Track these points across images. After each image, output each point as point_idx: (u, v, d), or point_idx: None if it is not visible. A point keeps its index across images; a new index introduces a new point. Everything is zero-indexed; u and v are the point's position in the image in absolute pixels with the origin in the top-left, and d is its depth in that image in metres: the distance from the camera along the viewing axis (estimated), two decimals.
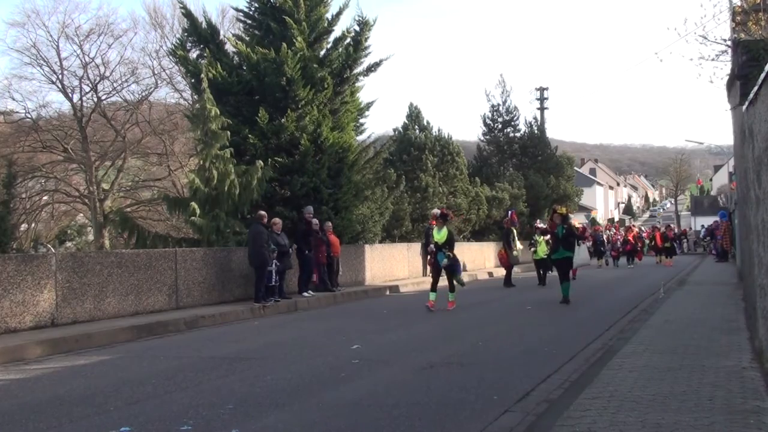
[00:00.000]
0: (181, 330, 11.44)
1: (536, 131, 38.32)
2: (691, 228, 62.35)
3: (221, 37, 19.77)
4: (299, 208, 17.00)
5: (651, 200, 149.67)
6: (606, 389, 5.95)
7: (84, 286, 11.45)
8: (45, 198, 32.77)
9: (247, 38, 19.30)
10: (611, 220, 73.24)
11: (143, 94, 32.27)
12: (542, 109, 42.45)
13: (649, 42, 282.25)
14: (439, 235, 13.18)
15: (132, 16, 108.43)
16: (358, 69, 19.98)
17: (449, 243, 13.16)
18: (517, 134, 37.66)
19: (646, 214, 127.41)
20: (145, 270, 12.63)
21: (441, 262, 13.09)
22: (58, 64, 31.00)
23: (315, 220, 16.30)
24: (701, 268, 27.26)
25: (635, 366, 6.92)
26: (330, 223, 17.16)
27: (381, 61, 20.45)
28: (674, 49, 36.17)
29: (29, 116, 31.10)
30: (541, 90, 42.81)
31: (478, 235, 30.08)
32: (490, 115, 37.40)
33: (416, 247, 23.04)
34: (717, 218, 36.98)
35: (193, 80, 19.17)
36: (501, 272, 21.15)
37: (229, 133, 16.19)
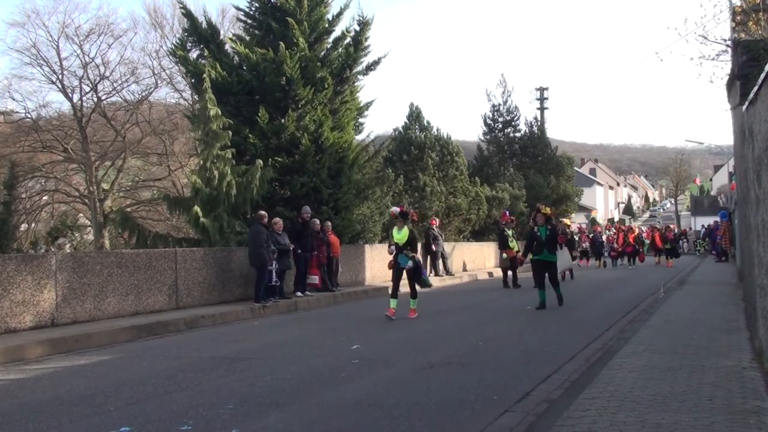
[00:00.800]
0: (181, 330, 11.44)
1: (536, 131, 38.35)
2: (691, 228, 62.34)
3: (221, 37, 19.76)
4: (299, 209, 17.01)
5: (651, 200, 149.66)
6: (606, 389, 5.95)
7: (84, 286, 11.45)
8: (45, 198, 32.77)
9: (248, 38, 19.29)
10: (611, 220, 73.27)
11: (143, 94, 32.31)
12: (542, 109, 42.48)
13: (649, 42, 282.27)
14: (399, 235, 12.08)
15: (132, 16, 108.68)
16: (358, 68, 19.99)
17: (411, 244, 12.17)
18: (518, 134, 37.70)
19: (646, 214, 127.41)
20: (145, 270, 12.63)
21: (403, 264, 12.09)
22: (58, 64, 31.03)
23: (316, 221, 16.30)
24: (701, 268, 27.27)
25: (635, 366, 6.92)
26: (330, 223, 17.16)
27: (380, 59, 20.46)
28: (674, 49, 36.16)
29: (29, 116, 31.13)
30: (541, 90, 42.83)
31: (478, 235, 30.08)
32: (490, 115, 37.43)
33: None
34: (717, 218, 36.91)
35: (193, 80, 19.17)
36: (501, 272, 21.08)
37: (230, 132, 16.20)
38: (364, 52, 19.82)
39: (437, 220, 23.95)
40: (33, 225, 32.36)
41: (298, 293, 15.44)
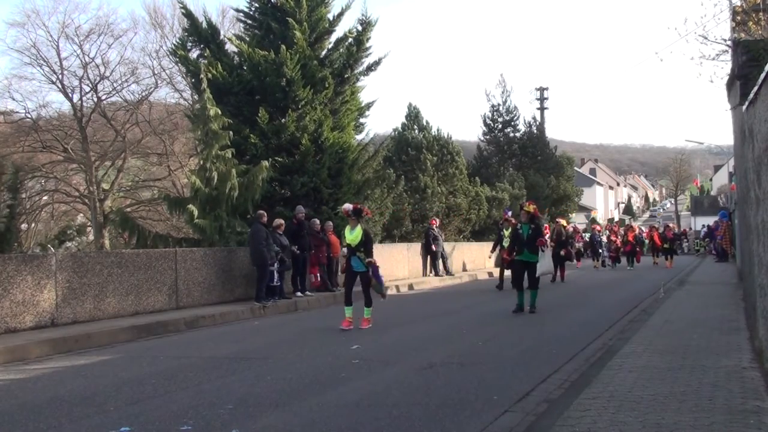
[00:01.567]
0: (181, 330, 11.43)
1: (536, 131, 38.38)
2: (691, 228, 62.30)
3: (221, 37, 19.77)
4: None
5: (651, 200, 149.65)
6: (606, 389, 5.95)
7: (84, 286, 11.45)
8: (45, 198, 32.76)
9: (248, 38, 19.31)
10: (611, 220, 73.20)
11: (143, 94, 32.29)
12: (542, 109, 42.51)
13: (649, 42, 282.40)
14: (352, 235, 10.72)
15: (132, 16, 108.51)
16: (359, 69, 20.00)
17: (365, 245, 10.71)
18: (517, 134, 37.76)
19: (646, 214, 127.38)
20: (145, 270, 12.63)
21: (357, 268, 10.78)
22: (58, 64, 31.01)
23: (316, 221, 16.29)
24: (701, 268, 27.23)
25: (635, 366, 6.92)
26: (330, 223, 17.15)
27: (380, 59, 20.49)
28: (674, 49, 36.22)
29: (29, 116, 31.12)
30: (541, 90, 42.87)
31: (478, 235, 30.10)
32: (490, 115, 37.47)
33: (416, 247, 23.03)
34: (717, 218, 36.79)
35: (193, 80, 19.19)
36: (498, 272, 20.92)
37: (230, 132, 16.20)
38: (366, 52, 19.84)
39: (437, 220, 23.95)
40: (33, 225, 32.36)
41: (298, 293, 15.43)
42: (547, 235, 21.69)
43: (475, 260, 26.88)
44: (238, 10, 20.26)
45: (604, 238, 31.64)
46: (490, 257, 19.36)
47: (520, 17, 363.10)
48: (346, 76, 19.73)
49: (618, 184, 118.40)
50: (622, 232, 30.23)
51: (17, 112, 31.43)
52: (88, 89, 31.23)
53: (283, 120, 18.20)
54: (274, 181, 17.83)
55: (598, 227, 32.76)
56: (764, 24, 11.54)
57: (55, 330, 10.44)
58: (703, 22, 17.24)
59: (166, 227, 28.35)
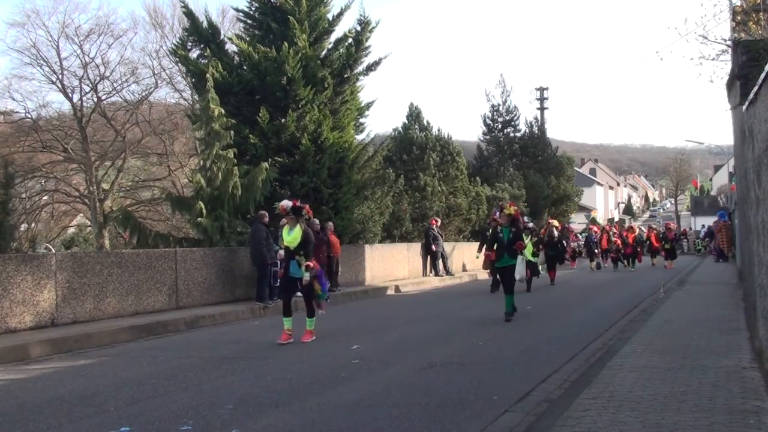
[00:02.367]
0: (181, 330, 11.44)
1: (536, 131, 38.37)
2: (691, 228, 62.30)
3: (222, 36, 19.76)
4: None
5: (651, 200, 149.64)
6: (606, 389, 5.95)
7: (84, 286, 11.45)
8: (45, 198, 32.75)
9: (248, 38, 19.30)
10: (611, 220, 73.18)
11: (143, 94, 32.28)
12: (542, 109, 42.50)
13: (649, 41, 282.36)
14: (290, 236, 9.52)
15: (132, 16, 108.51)
16: (359, 69, 20.00)
17: (304, 247, 9.48)
18: (518, 134, 37.74)
19: (646, 214, 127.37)
20: (145, 270, 12.63)
21: (296, 274, 9.54)
22: (58, 64, 30.99)
23: (316, 221, 16.28)
24: (701, 268, 27.22)
25: (635, 366, 6.92)
26: (331, 224, 17.16)
27: (380, 59, 20.49)
28: (674, 49, 36.23)
29: (29, 116, 31.10)
30: (541, 90, 42.85)
31: (478, 235, 30.03)
32: (490, 115, 37.46)
33: (416, 247, 23.04)
34: (716, 218, 36.73)
35: (193, 80, 19.18)
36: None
37: (232, 132, 16.20)
38: (365, 52, 19.84)
39: (438, 220, 23.95)
40: (33, 225, 32.35)
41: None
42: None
43: (475, 260, 26.85)
44: (238, 10, 20.26)
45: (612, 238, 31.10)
46: (477, 257, 19.03)
47: (520, 17, 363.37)
48: (345, 76, 19.73)
49: (618, 184, 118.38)
50: (615, 231, 29.14)
51: (17, 112, 31.45)
52: (88, 89, 31.25)
53: (283, 120, 18.20)
54: (274, 181, 17.83)
55: (595, 227, 31.74)
56: (764, 24, 11.54)
57: (55, 330, 10.44)
58: (703, 22, 17.24)
59: (166, 227, 28.34)
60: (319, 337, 10.16)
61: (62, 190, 32.55)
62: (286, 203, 9.69)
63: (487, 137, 37.48)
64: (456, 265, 24.69)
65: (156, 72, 31.94)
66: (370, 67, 20.17)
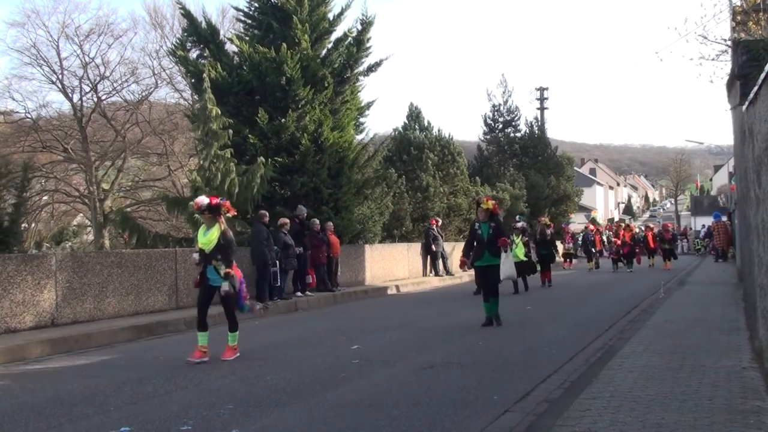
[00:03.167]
0: (181, 330, 11.43)
1: (537, 131, 38.38)
2: (691, 228, 62.26)
3: (221, 37, 19.77)
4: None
5: (651, 200, 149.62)
6: (606, 389, 5.95)
7: (84, 286, 11.45)
8: (45, 198, 32.74)
9: (247, 38, 19.31)
10: (611, 220, 73.13)
11: (143, 94, 32.28)
12: (542, 109, 42.50)
13: (649, 42, 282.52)
14: (206, 237, 8.23)
15: (132, 16, 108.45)
16: (359, 69, 20.00)
17: (223, 251, 8.19)
18: (518, 134, 37.76)
19: (646, 214, 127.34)
20: (145, 270, 12.63)
21: (214, 282, 8.25)
22: (58, 64, 30.99)
23: (315, 221, 16.30)
24: (701, 268, 27.20)
25: (635, 366, 6.92)
26: (331, 223, 17.16)
27: (381, 60, 20.50)
28: (674, 49, 36.27)
29: (29, 116, 31.09)
30: (541, 90, 42.86)
31: None
32: (490, 115, 37.49)
33: (416, 247, 23.04)
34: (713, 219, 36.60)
35: (193, 80, 19.17)
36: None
37: (230, 132, 16.20)
38: (366, 52, 19.84)
39: (438, 220, 23.94)
40: (33, 225, 32.33)
41: (298, 293, 15.44)
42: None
43: None
44: (238, 9, 20.27)
45: (605, 239, 30.82)
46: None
47: (521, 17, 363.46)
48: (346, 76, 19.73)
49: (618, 184, 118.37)
50: (611, 232, 28.09)
51: (17, 112, 31.44)
52: (88, 89, 31.25)
53: (282, 120, 18.20)
54: (274, 181, 17.83)
55: (592, 227, 30.93)
56: (764, 24, 11.55)
57: (55, 330, 10.44)
58: (703, 22, 17.25)
59: (166, 227, 28.34)
60: (319, 337, 10.13)
61: (62, 190, 32.54)
62: (202, 200, 8.39)
63: (488, 137, 37.50)
64: (456, 265, 24.58)
65: (156, 72, 31.97)
66: (371, 68, 20.19)
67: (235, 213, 9.29)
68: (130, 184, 35.08)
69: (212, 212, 8.25)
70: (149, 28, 36.23)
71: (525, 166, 36.87)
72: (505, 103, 37.29)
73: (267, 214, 14.45)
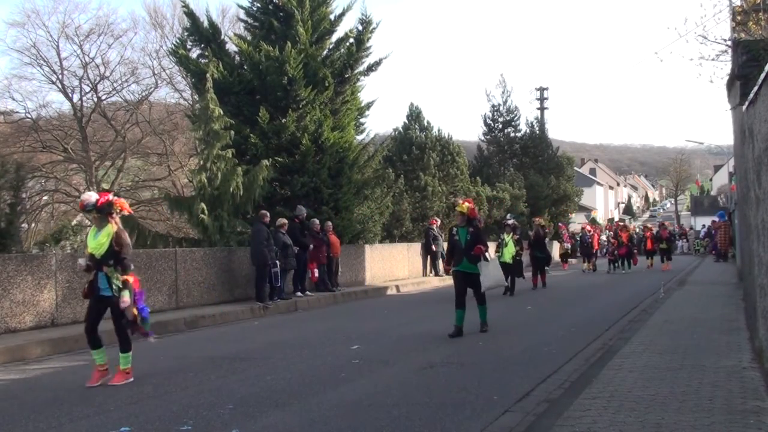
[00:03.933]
0: (181, 330, 11.44)
1: (537, 131, 38.36)
2: (691, 228, 62.27)
3: (222, 36, 19.77)
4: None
5: (651, 200, 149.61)
6: (606, 389, 5.95)
7: (84, 286, 11.41)
8: (45, 198, 32.74)
9: (249, 37, 19.31)
10: (611, 220, 73.09)
11: (143, 94, 32.29)
12: (542, 109, 42.47)
13: (649, 42, 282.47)
14: (95, 240, 7.09)
15: (132, 16, 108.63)
16: (360, 69, 20.01)
17: (116, 256, 7.06)
18: (518, 134, 37.72)
19: (646, 214, 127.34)
20: (145, 270, 12.62)
21: (105, 292, 7.08)
22: (58, 64, 31.01)
23: (315, 221, 16.30)
24: (701, 268, 27.19)
25: (635, 366, 6.92)
26: (330, 223, 17.16)
27: (381, 60, 20.52)
28: (674, 49, 36.24)
29: (29, 116, 31.11)
30: (541, 90, 42.83)
31: None
32: (490, 115, 37.45)
33: (416, 247, 23.04)
34: (716, 218, 36.59)
35: (193, 80, 19.18)
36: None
37: (232, 132, 16.20)
38: (366, 52, 19.85)
39: (438, 220, 23.92)
40: (33, 225, 32.32)
41: (298, 293, 15.44)
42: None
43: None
44: (240, 7, 20.27)
45: (603, 238, 30.34)
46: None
47: (520, 17, 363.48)
48: (346, 75, 19.73)
49: (618, 184, 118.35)
50: (610, 232, 27.08)
51: (17, 112, 31.45)
52: (88, 89, 31.27)
53: (283, 120, 18.20)
54: (275, 181, 17.83)
55: (588, 227, 30.14)
56: (764, 24, 11.54)
57: (55, 330, 10.44)
58: (702, 22, 17.26)
59: (166, 227, 28.33)
60: (319, 337, 10.13)
61: (62, 190, 32.53)
62: (88, 197, 7.15)
63: (488, 137, 37.47)
64: None
65: (156, 72, 31.99)
66: (371, 67, 20.19)
67: (131, 212, 8.09)
68: (130, 184, 35.05)
69: (100, 212, 7.06)
70: (149, 28, 36.39)
71: (525, 166, 36.84)
72: (505, 103, 37.27)
73: (267, 214, 14.45)
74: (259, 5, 19.44)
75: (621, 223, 30.06)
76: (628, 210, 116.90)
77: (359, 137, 20.88)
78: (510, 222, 17.84)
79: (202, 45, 18.97)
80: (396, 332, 10.54)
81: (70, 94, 31.20)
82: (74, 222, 36.67)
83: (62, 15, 45.41)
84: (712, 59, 13.40)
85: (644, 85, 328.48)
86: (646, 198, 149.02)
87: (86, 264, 7.13)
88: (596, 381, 6.32)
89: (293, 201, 17.86)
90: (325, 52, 19.71)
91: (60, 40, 31.03)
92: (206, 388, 6.76)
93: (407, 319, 12.15)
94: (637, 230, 32.61)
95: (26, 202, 30.09)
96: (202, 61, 18.42)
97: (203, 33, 18.85)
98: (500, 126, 37.42)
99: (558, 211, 37.23)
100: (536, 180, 35.20)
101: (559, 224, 31.27)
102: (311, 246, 15.70)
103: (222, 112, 15.97)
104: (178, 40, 20.35)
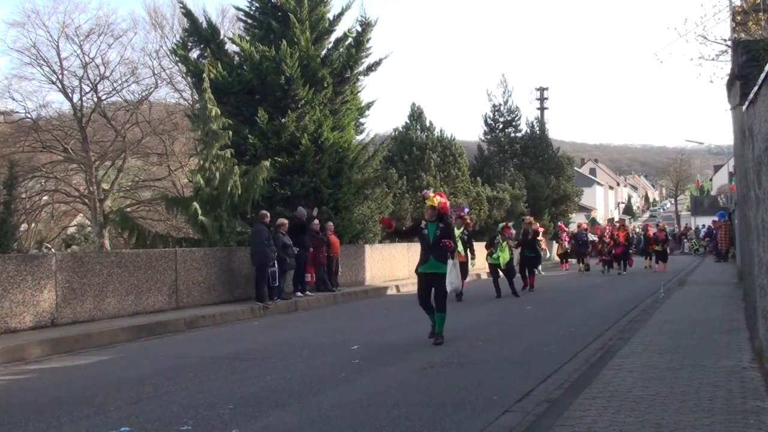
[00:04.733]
0: (181, 330, 11.44)
1: (537, 131, 38.38)
2: (691, 228, 62.28)
3: (221, 36, 19.78)
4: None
5: (651, 200, 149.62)
6: (606, 389, 5.95)
7: (84, 286, 11.44)
8: (45, 198, 32.75)
9: (248, 38, 19.32)
10: (611, 220, 73.04)
11: (143, 94, 32.28)
12: (542, 109, 42.48)
13: (649, 42, 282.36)
14: None
15: (132, 16, 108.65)
16: (359, 69, 20.01)
17: None
18: (518, 134, 37.74)
19: (646, 214, 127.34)
20: (145, 270, 12.63)
21: None
22: (58, 64, 30.99)
23: (316, 221, 16.29)
24: (701, 268, 27.16)
25: (635, 366, 6.92)
26: (331, 223, 17.16)
27: (381, 60, 20.52)
28: (674, 49, 36.35)
29: (29, 116, 31.10)
30: (542, 90, 42.83)
31: (479, 235, 30.07)
32: (491, 115, 37.47)
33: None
34: (716, 218, 36.51)
35: (193, 80, 19.20)
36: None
37: (230, 132, 16.21)
38: (366, 52, 19.85)
39: None
40: (33, 225, 32.34)
41: (298, 293, 15.44)
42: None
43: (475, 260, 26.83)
44: (238, 9, 20.28)
45: (595, 238, 29.29)
46: (493, 257, 16.71)
47: (521, 17, 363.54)
48: (346, 75, 19.73)
49: (618, 184, 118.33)
50: (608, 232, 25.66)
51: (17, 112, 31.45)
52: (88, 89, 31.25)
53: (282, 120, 18.21)
54: (274, 181, 17.84)
55: (584, 225, 29.19)
56: (764, 24, 11.54)
57: (55, 330, 10.44)
58: (702, 22, 17.24)
59: (166, 227, 28.35)
60: (319, 337, 10.14)
61: (62, 190, 32.55)
62: None
63: (488, 137, 37.49)
64: None
65: (156, 72, 31.98)
66: (371, 67, 20.19)
67: None
68: (130, 184, 35.07)
69: None
70: (149, 28, 36.29)
71: (525, 166, 36.87)
72: (506, 103, 37.29)
73: (268, 214, 14.45)
74: (257, 5, 19.45)
75: (617, 223, 29.24)
76: (628, 210, 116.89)
77: (359, 137, 20.90)
78: (513, 232, 17.36)
79: (202, 45, 18.99)
80: (396, 332, 10.54)
81: (70, 94, 31.22)
82: (74, 222, 36.77)
83: (62, 15, 45.39)
84: (712, 59, 13.42)
85: (644, 85, 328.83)
86: (646, 198, 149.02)
87: None
88: (596, 381, 6.32)
89: (293, 201, 17.86)
90: (324, 52, 19.71)
91: (60, 40, 31.05)
92: (206, 388, 6.76)
93: (407, 319, 12.14)
94: (637, 230, 32.17)
95: (25, 202, 30.13)
96: (202, 61, 18.43)
97: (202, 33, 18.86)
98: (501, 126, 37.45)
99: (558, 211, 37.24)
100: (536, 180, 35.21)
101: (559, 224, 31.08)
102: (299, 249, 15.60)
103: (220, 112, 15.97)
104: (177, 41, 20.37)
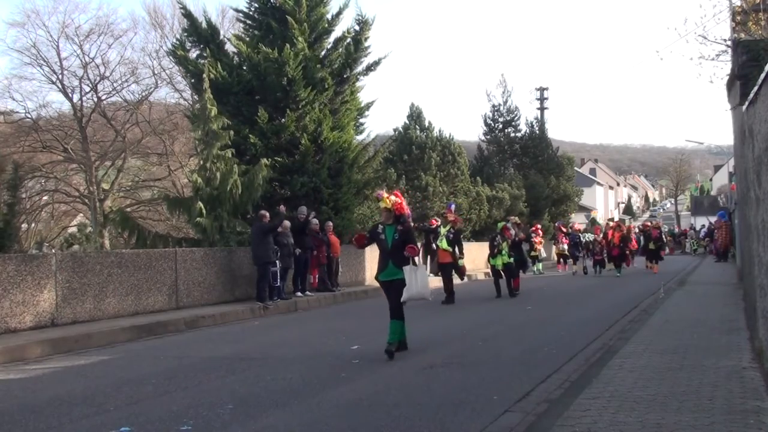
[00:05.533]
0: (181, 330, 11.44)
1: (537, 131, 38.37)
2: (691, 228, 62.28)
3: (221, 37, 19.78)
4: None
5: (651, 200, 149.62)
6: (606, 389, 5.95)
7: (84, 286, 11.44)
8: (45, 198, 32.75)
9: (247, 38, 19.32)
10: (611, 220, 73.00)
11: (143, 94, 32.29)
12: (542, 109, 42.49)
13: (649, 41, 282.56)
14: None
15: (132, 16, 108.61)
16: (358, 68, 20.01)
17: None
18: (518, 134, 37.74)
19: (646, 214, 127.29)
20: (145, 270, 12.63)
21: None
22: (58, 64, 31.00)
23: (315, 221, 16.29)
24: (701, 268, 27.15)
25: (635, 366, 6.92)
26: (331, 223, 17.16)
27: (380, 59, 20.52)
28: (674, 49, 36.33)
29: (29, 116, 31.11)
30: (541, 90, 42.85)
31: (479, 235, 30.09)
32: (491, 115, 37.47)
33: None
34: (716, 218, 36.49)
35: (193, 80, 19.19)
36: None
37: (231, 132, 16.20)
38: (365, 52, 19.85)
39: (438, 220, 23.84)
40: (33, 225, 32.33)
41: (298, 293, 15.44)
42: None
43: (474, 260, 26.86)
44: (237, 10, 20.27)
45: (590, 238, 28.04)
46: (493, 262, 16.38)
47: (521, 17, 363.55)
48: (345, 76, 19.74)
49: (618, 184, 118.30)
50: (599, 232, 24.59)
51: (17, 112, 31.44)
52: (88, 89, 31.26)
53: (282, 120, 18.21)
54: (274, 181, 17.84)
55: (578, 226, 28.40)
56: (764, 24, 11.55)
57: (55, 330, 10.44)
58: (702, 22, 17.30)
59: (166, 227, 28.33)
60: (319, 337, 10.14)
61: (62, 190, 32.55)
62: None
63: (488, 137, 37.49)
64: None
65: (156, 72, 31.98)
66: (370, 67, 20.20)
67: None
68: (130, 184, 35.07)
69: None
70: (149, 28, 36.25)
71: (525, 166, 36.87)
72: (505, 103, 37.29)
73: (267, 214, 14.45)
74: (257, 5, 19.45)
75: (612, 223, 28.29)
76: (628, 210, 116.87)
77: (359, 137, 20.90)
78: (512, 232, 16.69)
79: (201, 46, 18.99)
80: None
81: (70, 94, 31.23)
82: (74, 222, 36.76)
83: (62, 15, 45.31)
84: (712, 59, 13.44)
85: (644, 85, 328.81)
86: (646, 198, 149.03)
87: None
88: (596, 381, 6.32)
89: (293, 201, 17.86)
90: (323, 53, 19.71)
91: (60, 40, 31.05)
92: (206, 388, 6.76)
93: (407, 319, 12.10)
94: (636, 230, 31.71)
95: (26, 202, 30.12)
96: (201, 61, 18.43)
97: (202, 34, 18.86)
98: (500, 126, 37.44)
99: (558, 211, 37.23)
100: (536, 180, 35.21)
101: (556, 224, 30.85)
102: (314, 251, 15.68)
103: (219, 112, 15.97)
104: (177, 41, 20.36)
